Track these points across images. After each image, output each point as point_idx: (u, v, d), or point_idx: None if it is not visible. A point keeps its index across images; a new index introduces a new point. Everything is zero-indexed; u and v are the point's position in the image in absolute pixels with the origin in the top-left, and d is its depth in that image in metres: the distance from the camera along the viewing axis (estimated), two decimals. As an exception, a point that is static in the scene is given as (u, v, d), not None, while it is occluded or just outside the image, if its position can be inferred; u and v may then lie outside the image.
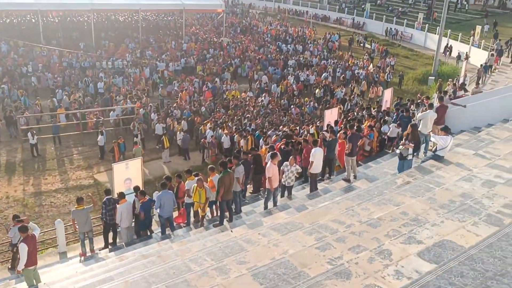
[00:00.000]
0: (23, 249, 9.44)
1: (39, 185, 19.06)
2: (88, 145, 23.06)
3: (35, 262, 9.86)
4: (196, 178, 12.70)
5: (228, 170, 11.92)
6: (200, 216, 12.89)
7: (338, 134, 14.57)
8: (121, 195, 12.59)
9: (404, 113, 16.37)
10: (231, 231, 10.37)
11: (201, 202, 12.51)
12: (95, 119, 24.21)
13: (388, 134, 16.57)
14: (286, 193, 13.23)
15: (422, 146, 13.40)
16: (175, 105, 26.44)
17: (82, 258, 12.28)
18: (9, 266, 12.35)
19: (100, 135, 21.36)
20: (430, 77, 34.02)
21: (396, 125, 16.05)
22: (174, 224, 13.16)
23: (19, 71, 31.47)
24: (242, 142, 20.08)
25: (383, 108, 20.99)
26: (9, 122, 23.29)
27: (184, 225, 13.31)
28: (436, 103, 15.28)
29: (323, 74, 33.74)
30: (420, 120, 13.30)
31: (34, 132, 21.62)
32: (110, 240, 13.01)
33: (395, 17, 52.04)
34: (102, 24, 47.65)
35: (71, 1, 38.36)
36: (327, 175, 14.69)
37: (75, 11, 44.65)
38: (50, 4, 37.82)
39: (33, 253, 9.72)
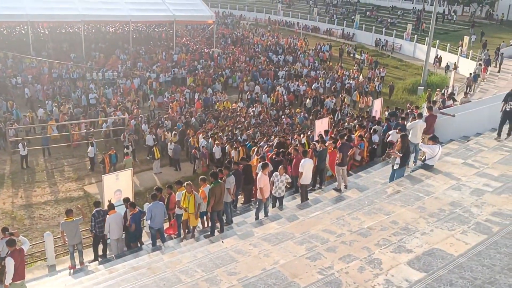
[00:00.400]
0: (10, 263, 9.33)
1: (28, 197, 18.87)
2: (78, 156, 22.91)
3: (23, 276, 9.73)
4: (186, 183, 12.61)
5: (219, 180, 11.90)
6: (191, 227, 12.80)
7: (327, 144, 14.62)
8: (110, 206, 12.51)
9: (400, 121, 16.35)
10: (222, 242, 10.32)
11: (190, 212, 12.36)
12: (85, 130, 24.13)
13: (389, 139, 16.41)
14: (277, 203, 13.23)
15: (412, 156, 13.47)
16: (166, 116, 26.44)
17: (72, 271, 12.15)
18: (-3, 280, 12.18)
19: (90, 147, 21.26)
20: (419, 87, 34.34)
21: (397, 130, 15.80)
22: (165, 235, 13.08)
23: (8, 83, 31.29)
24: (233, 152, 20.08)
25: (371, 117, 21.10)
26: (-1, 134, 23.13)
27: (175, 236, 13.22)
28: (425, 113, 15.39)
29: (313, 85, 33.94)
30: (410, 129, 13.40)
31: (26, 143, 21.45)
32: (100, 253, 12.89)
33: (384, 28, 52.61)
34: (93, 35, 47.66)
35: (61, 12, 38.28)
36: (318, 185, 14.71)
37: (65, 22, 44.56)
38: (40, 15, 37.76)
39: (21, 267, 9.59)
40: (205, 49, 45.25)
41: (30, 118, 25.29)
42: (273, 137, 21.83)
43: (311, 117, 27.38)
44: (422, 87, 33.87)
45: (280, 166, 12.99)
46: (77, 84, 32.42)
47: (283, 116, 27.57)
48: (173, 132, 23.31)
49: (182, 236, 12.88)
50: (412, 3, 61.89)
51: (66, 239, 12.18)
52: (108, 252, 13.02)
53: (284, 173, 12.84)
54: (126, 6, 41.70)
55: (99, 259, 12.68)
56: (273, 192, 12.86)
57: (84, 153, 22.38)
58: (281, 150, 15.84)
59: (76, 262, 12.34)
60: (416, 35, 47.65)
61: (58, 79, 33.12)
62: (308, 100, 30.66)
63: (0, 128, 23.06)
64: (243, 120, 26.27)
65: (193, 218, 12.52)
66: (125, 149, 21.26)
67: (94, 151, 21.31)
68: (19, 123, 24.58)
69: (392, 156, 12.02)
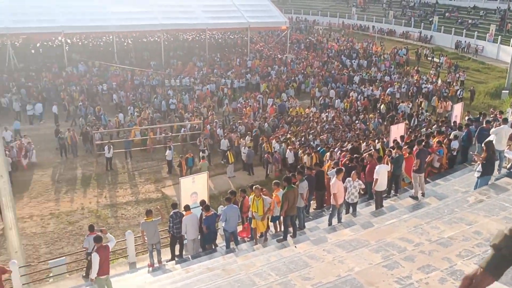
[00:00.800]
0: (95, 258, 9.90)
1: (111, 197, 20.04)
2: (156, 159, 23.96)
3: (107, 272, 10.29)
4: (254, 187, 12.73)
5: (292, 185, 11.93)
6: (263, 231, 12.87)
7: (403, 150, 14.20)
8: (186, 207, 12.94)
9: (485, 125, 15.45)
10: (295, 246, 10.33)
11: (258, 216, 12.30)
12: (163, 135, 25.16)
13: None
14: (350, 209, 13.05)
15: (497, 163, 12.73)
16: (239, 121, 26.95)
17: (150, 268, 12.68)
18: (83, 274, 12.99)
19: (168, 150, 22.15)
20: (503, 91, 32.40)
21: (494, 135, 14.70)
22: (239, 238, 13.30)
23: (95, 90, 33.39)
24: (305, 158, 20.07)
25: (453, 123, 20.20)
26: (85, 137, 24.72)
27: (248, 239, 13.41)
28: (511, 118, 14.48)
29: (388, 89, 33.09)
30: (494, 135, 12.68)
31: (111, 146, 22.76)
32: (177, 252, 13.35)
33: (464, 30, 50.17)
34: (171, 44, 49.60)
35: (143, 22, 40.27)
36: (393, 192, 14.32)
37: (147, 31, 46.76)
38: (124, 26, 39.92)
39: (105, 263, 10.16)
40: (279, 55, 45.59)
41: (117, 122, 26.82)
42: (346, 142, 21.57)
43: (385, 123, 26.76)
44: (507, 91, 31.90)
45: (353, 172, 12.80)
46: (156, 90, 33.91)
47: (356, 122, 27.14)
48: (247, 137, 23.72)
49: (254, 240, 13.04)
50: (496, 2, 58.47)
51: (146, 238, 12.74)
52: (184, 253, 13.45)
53: (357, 179, 12.65)
54: (202, 14, 43.07)
55: (176, 259, 13.13)
56: (346, 198, 12.71)
57: (162, 156, 23.35)
58: (354, 155, 15.61)
59: (155, 261, 12.86)
60: (500, 36, 44.99)
61: (140, 86, 34.88)
62: (382, 106, 29.94)
63: (88, 132, 24.65)
64: (315, 125, 26.17)
65: (260, 224, 12.54)
66: (201, 153, 21.91)
67: (171, 155, 22.19)
68: (106, 128, 26.12)
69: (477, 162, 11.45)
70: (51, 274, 13.51)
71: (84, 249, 12.68)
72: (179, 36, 54.51)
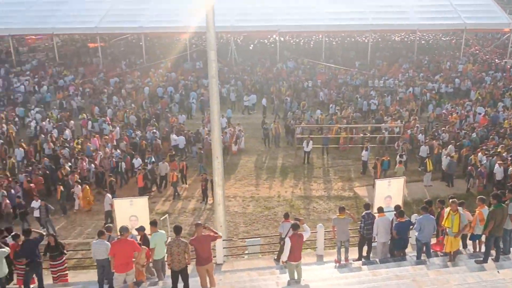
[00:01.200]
0: (287, 243, 10.55)
1: (305, 189, 21.02)
2: (352, 159, 24.24)
3: (299, 258, 10.84)
4: (450, 200, 11.81)
5: (502, 204, 10.86)
6: (456, 250, 11.89)
7: None
8: (380, 209, 12.82)
9: None
10: (498, 271, 9.44)
11: (452, 232, 11.31)
12: (361, 135, 25.19)
13: None
14: None
15: None
16: (443, 128, 25.41)
17: (337, 264, 12.93)
18: (275, 257, 13.94)
19: (364, 151, 22.20)
20: None
21: None
22: (431, 250, 12.67)
23: (301, 86, 35.17)
24: (517, 176, 17.99)
25: None
26: (288, 130, 26.32)
27: (442, 254, 12.66)
28: None
29: None
30: None
31: (310, 141, 23.74)
32: (364, 254, 13.34)
33: None
34: (378, 44, 49.09)
35: (354, 22, 40.76)
36: None
37: (355, 31, 47.11)
38: (335, 25, 40.96)
39: (298, 250, 10.70)
40: (496, 60, 41.34)
41: (321, 119, 27.90)
42: None
43: None
44: None
45: None
46: (359, 90, 34.09)
47: None
48: (450, 146, 22.25)
49: (448, 256, 12.24)
50: None
51: (336, 234, 13.03)
52: (371, 255, 13.36)
53: None
54: (414, 15, 41.55)
55: (363, 260, 13.13)
56: None
57: (358, 156, 23.50)
58: None
59: (342, 258, 13.09)
60: None
61: (343, 84, 35.55)
62: None
63: (291, 125, 26.19)
64: (534, 141, 23.07)
65: (453, 241, 11.53)
66: (398, 157, 21.35)
67: (367, 156, 22.17)
68: (308, 123, 27.33)
69: None
70: (246, 252, 14.88)
71: (279, 234, 13.59)
72: (387, 36, 53.55)
